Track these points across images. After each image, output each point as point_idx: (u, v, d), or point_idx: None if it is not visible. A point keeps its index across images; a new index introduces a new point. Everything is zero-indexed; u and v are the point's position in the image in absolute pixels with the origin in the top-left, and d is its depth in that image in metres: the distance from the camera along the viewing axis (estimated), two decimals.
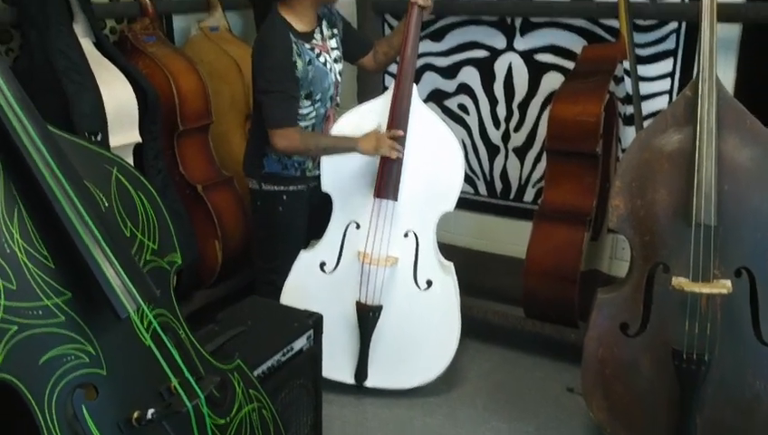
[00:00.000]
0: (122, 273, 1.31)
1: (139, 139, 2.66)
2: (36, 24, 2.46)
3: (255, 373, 1.80)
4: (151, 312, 1.42)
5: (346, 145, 2.32)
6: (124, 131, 2.61)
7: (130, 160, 2.67)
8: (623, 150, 2.84)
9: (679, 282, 1.95)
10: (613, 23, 2.76)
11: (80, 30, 2.60)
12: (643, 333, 2.05)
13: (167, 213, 1.54)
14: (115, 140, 2.56)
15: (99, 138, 2.50)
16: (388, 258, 2.39)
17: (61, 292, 1.28)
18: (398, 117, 2.31)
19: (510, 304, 2.86)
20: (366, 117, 2.39)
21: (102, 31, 2.88)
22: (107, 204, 1.42)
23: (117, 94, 2.57)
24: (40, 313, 1.24)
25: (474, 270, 3.14)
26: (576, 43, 2.93)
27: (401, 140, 2.31)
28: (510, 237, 3.25)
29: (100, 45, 2.67)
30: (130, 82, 2.62)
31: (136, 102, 2.62)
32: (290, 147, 2.35)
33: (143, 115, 2.66)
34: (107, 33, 3.01)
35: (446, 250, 2.55)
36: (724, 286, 1.92)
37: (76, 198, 1.28)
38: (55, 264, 1.28)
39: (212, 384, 1.47)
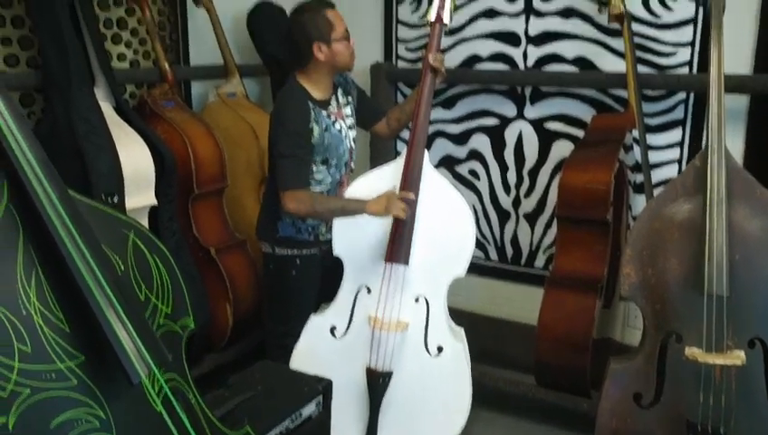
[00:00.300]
0: (136, 337, 1.32)
1: (154, 201, 2.70)
2: (59, 88, 2.53)
3: None
4: (163, 376, 1.42)
5: (355, 207, 2.34)
6: (140, 194, 2.65)
7: (145, 222, 2.71)
8: (633, 218, 2.86)
9: (693, 352, 1.93)
10: (622, 92, 2.81)
11: (101, 94, 2.68)
12: (657, 403, 2.03)
13: (181, 277, 1.56)
14: (131, 201, 2.60)
15: (115, 199, 2.54)
16: (399, 323, 2.38)
17: (74, 355, 1.28)
18: (411, 182, 2.34)
19: (521, 372, 2.83)
20: (378, 182, 2.41)
21: (123, 95, 2.97)
22: (123, 267, 1.44)
23: (135, 157, 2.62)
24: (53, 376, 1.24)
25: (484, 336, 3.12)
26: (585, 113, 2.98)
27: (412, 205, 2.33)
28: (521, 303, 3.24)
29: (119, 109, 2.73)
30: (148, 146, 2.68)
31: (153, 165, 2.67)
32: (300, 209, 2.38)
33: (160, 178, 2.71)
34: (127, 97, 3.09)
35: (457, 315, 2.55)
36: (737, 357, 1.90)
37: (93, 262, 1.30)
38: (70, 327, 1.29)
39: None
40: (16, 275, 1.24)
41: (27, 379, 1.20)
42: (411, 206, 2.31)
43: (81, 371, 1.29)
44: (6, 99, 1.29)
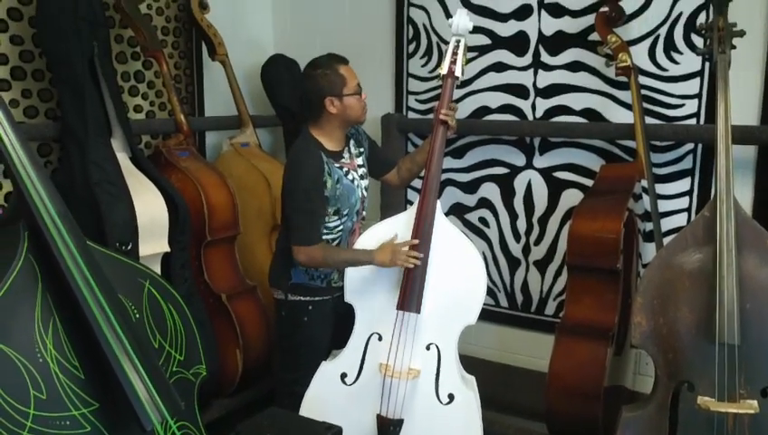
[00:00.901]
0: (150, 384, 1.34)
1: (167, 248, 2.74)
2: (76, 138, 2.60)
3: None
4: (175, 424, 1.43)
5: (364, 258, 2.37)
6: (154, 241, 2.69)
7: (158, 269, 2.74)
8: (644, 266, 2.86)
9: (705, 401, 1.93)
10: (630, 143, 2.85)
11: (117, 144, 2.74)
12: None
13: (195, 325, 1.58)
14: (144, 249, 2.64)
15: (129, 247, 2.58)
16: (411, 371, 2.37)
17: (89, 402, 1.30)
18: (422, 231, 2.36)
19: (532, 420, 2.81)
20: (390, 231, 2.43)
21: (138, 145, 3.03)
22: (138, 315, 1.47)
23: (149, 206, 2.67)
24: (67, 423, 1.26)
25: (495, 383, 3.10)
26: (594, 162, 3.01)
27: (425, 252, 2.34)
28: (531, 350, 3.24)
29: (135, 159, 2.80)
30: (163, 195, 2.73)
31: (167, 214, 2.72)
32: (311, 263, 2.44)
33: (173, 226, 2.75)
34: (143, 147, 3.16)
35: (467, 362, 2.54)
36: (750, 407, 1.89)
37: (110, 311, 1.33)
38: (85, 374, 1.31)
39: None
40: (34, 324, 1.27)
41: (42, 426, 1.22)
42: (422, 254, 2.33)
43: (95, 418, 1.31)
44: (29, 152, 1.34)
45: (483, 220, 3.35)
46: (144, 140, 3.21)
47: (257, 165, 3.22)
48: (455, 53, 2.43)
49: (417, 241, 2.33)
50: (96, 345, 1.30)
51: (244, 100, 3.41)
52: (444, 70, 2.43)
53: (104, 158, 2.63)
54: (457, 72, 2.42)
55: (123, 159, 2.74)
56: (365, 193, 2.63)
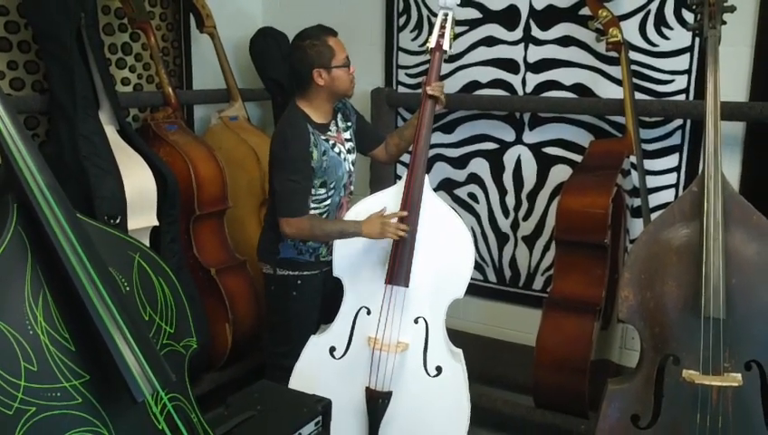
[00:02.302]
0: (141, 357, 1.34)
1: (156, 222, 2.73)
2: (64, 111, 2.57)
3: None
4: (166, 396, 1.44)
5: (351, 229, 2.37)
6: (143, 215, 2.68)
7: (147, 243, 2.73)
8: (631, 242, 2.88)
9: (690, 374, 1.95)
10: (620, 119, 2.85)
11: (105, 117, 2.72)
12: (654, 425, 2.04)
13: (185, 298, 1.58)
14: (133, 223, 2.63)
15: (118, 221, 2.57)
16: (399, 344, 2.39)
17: (80, 374, 1.31)
18: (411, 206, 2.36)
19: (519, 393, 2.84)
20: (378, 205, 2.44)
21: (126, 119, 3.01)
22: (128, 288, 1.46)
23: (137, 179, 2.66)
24: (58, 394, 1.27)
25: (483, 357, 3.14)
26: (583, 138, 3.02)
27: (412, 227, 2.35)
28: (519, 325, 3.26)
29: (123, 132, 2.77)
30: (151, 168, 2.71)
31: (155, 187, 2.71)
32: (298, 234, 2.43)
33: (162, 200, 2.74)
34: (130, 120, 3.13)
35: (455, 336, 2.56)
36: (734, 380, 1.92)
37: (100, 283, 1.32)
38: (76, 347, 1.31)
39: None
40: (24, 296, 1.27)
41: (33, 397, 1.23)
42: (411, 228, 2.34)
43: (86, 390, 1.31)
44: (17, 124, 1.32)
45: (472, 196, 3.36)
46: (132, 113, 3.18)
47: (246, 139, 3.21)
48: (443, 27, 2.42)
49: (405, 213, 2.33)
50: (86, 317, 1.30)
51: (233, 73, 3.38)
52: (432, 44, 2.42)
53: (92, 131, 2.60)
54: (445, 46, 2.42)
55: (111, 132, 2.71)
56: (352, 168, 2.63)
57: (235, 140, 3.21)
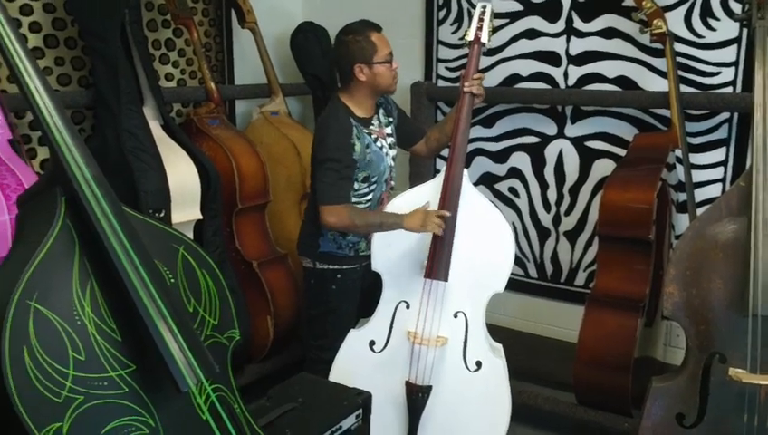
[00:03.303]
0: (185, 348, 1.36)
1: (200, 216, 2.77)
2: (109, 106, 2.62)
3: None
4: (210, 386, 1.46)
5: (392, 222, 2.36)
6: (186, 209, 2.72)
7: (190, 236, 2.77)
8: (676, 237, 2.83)
9: (737, 373, 1.91)
10: (664, 112, 2.80)
11: (149, 113, 2.76)
12: (700, 424, 2.00)
13: (228, 291, 1.60)
14: (177, 216, 2.68)
15: (162, 214, 2.61)
16: (438, 338, 2.39)
17: (126, 364, 1.33)
18: (449, 199, 2.35)
19: (561, 390, 2.82)
20: (418, 199, 2.43)
21: (170, 114, 3.06)
22: (173, 280, 1.49)
23: (181, 174, 2.70)
24: (105, 384, 1.29)
25: (524, 353, 3.12)
26: (627, 131, 2.97)
27: (451, 221, 2.34)
28: (561, 321, 3.23)
29: (167, 127, 2.82)
30: (194, 163, 2.75)
31: (199, 181, 2.75)
32: (338, 223, 2.42)
33: (205, 193, 2.78)
34: (174, 115, 3.18)
35: (496, 332, 2.54)
36: None
37: (146, 275, 1.34)
38: (122, 337, 1.34)
39: None
40: (72, 287, 1.30)
41: (81, 386, 1.25)
42: (450, 222, 2.33)
43: (133, 379, 1.33)
44: (65, 119, 1.35)
45: (513, 190, 3.34)
46: (175, 108, 3.23)
47: (287, 133, 3.23)
48: (481, 19, 2.40)
49: (448, 213, 2.32)
50: (132, 308, 1.32)
51: (274, 68, 3.40)
52: (470, 36, 2.41)
53: (137, 126, 2.65)
54: (484, 39, 2.40)
55: (155, 127, 2.76)
56: (393, 163, 2.63)
57: (275, 134, 3.23)
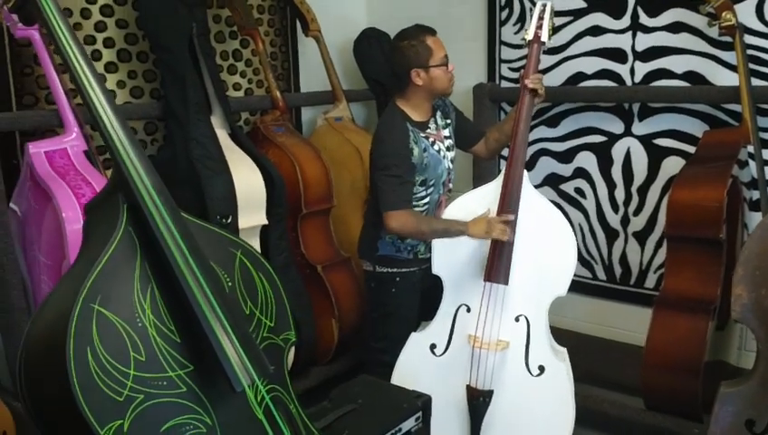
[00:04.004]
0: (240, 349, 1.41)
1: (265, 221, 2.84)
2: (178, 117, 2.72)
3: None
4: (265, 387, 1.51)
5: (456, 229, 2.36)
6: (252, 214, 2.80)
7: (257, 241, 2.85)
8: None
9: None
10: (735, 107, 2.70)
11: (216, 122, 2.86)
12: None
13: (284, 293, 1.65)
14: (244, 222, 2.76)
15: (229, 220, 2.70)
16: (499, 342, 2.38)
17: (184, 365, 1.39)
18: (509, 201, 2.34)
19: (629, 394, 2.75)
20: (478, 201, 2.43)
21: (237, 122, 3.15)
22: (230, 283, 1.54)
23: (247, 180, 2.78)
24: (164, 383, 1.35)
25: (591, 357, 3.06)
26: (697, 128, 2.88)
27: (512, 224, 2.33)
28: (630, 324, 3.15)
29: (234, 136, 2.90)
30: (260, 169, 2.83)
31: (264, 188, 2.82)
32: (402, 229, 2.43)
33: (270, 199, 2.85)
34: (241, 124, 3.28)
35: (563, 336, 2.50)
36: None
37: (202, 279, 1.40)
38: (181, 338, 1.39)
39: None
40: (133, 291, 1.36)
41: (141, 386, 1.31)
42: (511, 226, 2.32)
43: (191, 379, 1.39)
44: (126, 130, 1.42)
45: (579, 191, 3.28)
46: (243, 117, 3.33)
47: (350, 138, 3.27)
48: (540, 18, 2.38)
49: (512, 217, 2.31)
50: (190, 310, 1.38)
51: (337, 74, 3.46)
52: (530, 35, 2.39)
53: (204, 135, 2.74)
54: (543, 38, 2.38)
55: (222, 135, 2.85)
56: (451, 165, 2.63)
57: (339, 140, 3.28)
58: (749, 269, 1.96)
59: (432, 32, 2.51)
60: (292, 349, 1.66)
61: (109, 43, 2.80)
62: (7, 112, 2.46)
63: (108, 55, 2.80)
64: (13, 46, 2.51)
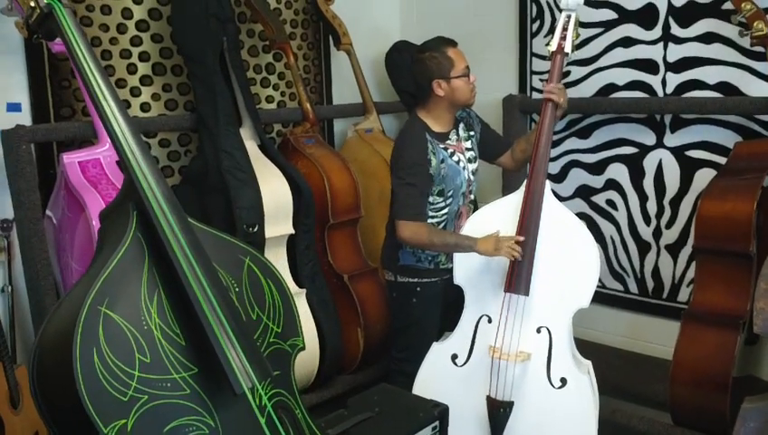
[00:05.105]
0: (242, 353, 1.44)
1: (292, 230, 2.89)
2: (208, 128, 2.80)
3: None
4: (269, 392, 1.54)
5: (467, 244, 2.37)
6: (279, 224, 2.85)
7: (284, 250, 2.90)
8: None
9: None
10: None
11: (246, 133, 2.93)
12: None
13: (292, 301, 1.68)
14: (270, 231, 2.81)
15: (256, 229, 2.75)
16: (520, 354, 2.36)
17: (188, 367, 1.43)
18: (530, 213, 2.33)
19: (659, 410, 2.69)
20: (499, 212, 2.43)
21: (268, 134, 3.21)
22: (237, 289, 1.58)
23: (275, 191, 2.83)
24: (168, 385, 1.39)
25: (623, 371, 3.01)
26: (730, 139, 2.81)
27: (532, 235, 2.32)
28: (663, 338, 3.08)
29: (263, 147, 2.96)
30: (288, 180, 2.88)
31: (291, 198, 2.87)
32: (413, 239, 2.45)
33: (298, 210, 2.90)
34: (274, 135, 3.34)
35: (594, 349, 2.48)
36: None
37: (206, 282, 1.44)
38: (186, 341, 1.44)
39: None
40: (140, 295, 1.41)
41: (145, 386, 1.36)
42: (531, 236, 2.31)
43: (194, 381, 1.43)
44: (138, 140, 1.48)
45: (610, 202, 3.24)
46: (276, 128, 3.39)
47: (379, 150, 3.30)
48: (564, 29, 2.38)
49: (522, 238, 2.30)
50: (194, 314, 1.42)
51: (368, 87, 3.49)
52: (553, 46, 2.39)
53: (234, 146, 2.81)
54: (567, 49, 2.37)
55: (252, 147, 2.92)
56: (472, 177, 2.63)
57: (368, 151, 3.32)
58: None
59: (453, 43, 2.52)
60: (299, 354, 1.67)
61: (144, 57, 2.89)
62: (44, 123, 2.56)
63: (143, 69, 2.89)
64: (52, 61, 2.61)
